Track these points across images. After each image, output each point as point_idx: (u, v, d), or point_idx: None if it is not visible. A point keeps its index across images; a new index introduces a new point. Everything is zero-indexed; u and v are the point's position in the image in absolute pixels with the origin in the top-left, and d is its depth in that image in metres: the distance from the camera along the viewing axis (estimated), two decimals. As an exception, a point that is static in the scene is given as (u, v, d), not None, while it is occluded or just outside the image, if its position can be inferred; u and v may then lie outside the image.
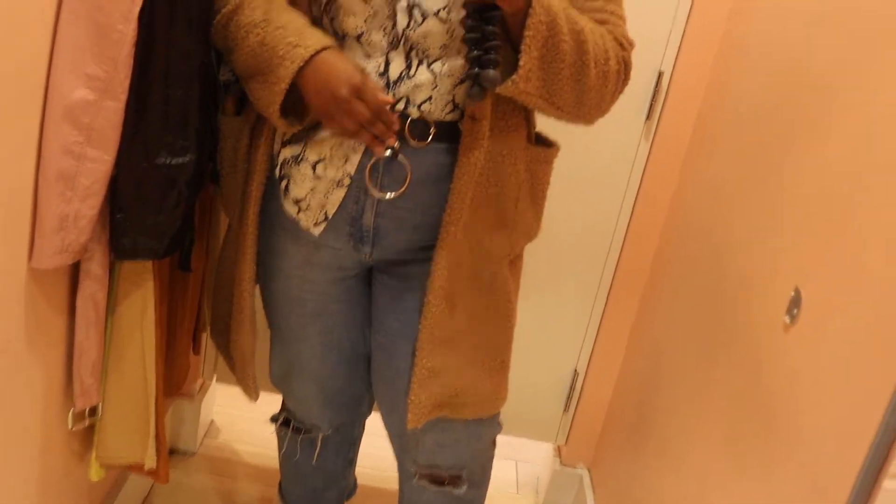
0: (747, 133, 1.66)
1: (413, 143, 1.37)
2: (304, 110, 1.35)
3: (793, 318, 1.24)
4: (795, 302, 1.24)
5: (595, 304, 2.26)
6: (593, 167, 2.10)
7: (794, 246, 1.31)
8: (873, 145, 1.12)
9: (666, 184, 2.12)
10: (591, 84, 1.34)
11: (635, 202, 2.15)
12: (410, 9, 1.31)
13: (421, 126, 1.37)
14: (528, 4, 1.23)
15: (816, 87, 1.35)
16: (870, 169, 1.12)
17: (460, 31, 1.31)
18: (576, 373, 2.34)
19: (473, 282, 1.48)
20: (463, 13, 1.26)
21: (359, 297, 1.61)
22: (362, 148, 1.38)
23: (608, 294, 2.25)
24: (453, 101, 1.37)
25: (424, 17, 1.31)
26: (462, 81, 1.36)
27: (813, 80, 1.37)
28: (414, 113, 1.36)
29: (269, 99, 1.31)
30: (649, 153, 2.10)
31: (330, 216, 1.43)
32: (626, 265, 2.21)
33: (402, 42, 1.33)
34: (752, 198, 1.55)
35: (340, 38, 1.36)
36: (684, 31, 2.00)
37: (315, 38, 1.30)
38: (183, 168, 1.41)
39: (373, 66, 1.34)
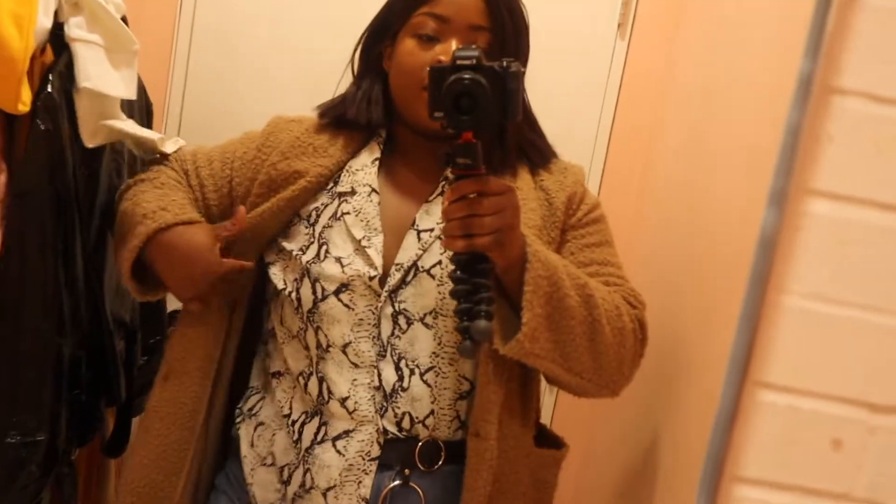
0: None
1: (423, 467, 1.31)
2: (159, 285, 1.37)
3: None
4: None
5: None
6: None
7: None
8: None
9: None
10: (608, 343, 1.25)
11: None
12: (396, 315, 1.28)
13: (432, 449, 1.31)
14: (524, 259, 1.19)
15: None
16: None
17: (449, 338, 1.28)
18: None
19: None
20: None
21: None
22: (374, 468, 1.29)
23: None
24: (458, 416, 1.31)
25: (410, 324, 1.28)
26: (462, 396, 1.31)
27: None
28: (423, 434, 1.30)
29: (122, 258, 1.33)
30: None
31: None
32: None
33: (388, 351, 1.29)
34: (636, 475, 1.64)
35: (325, 351, 1.30)
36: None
37: (186, 210, 1.34)
38: (34, 448, 1.43)
39: (364, 378, 1.29)
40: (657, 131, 2.17)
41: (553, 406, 2.32)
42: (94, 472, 1.78)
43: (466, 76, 1.07)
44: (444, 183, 1.35)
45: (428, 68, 1.12)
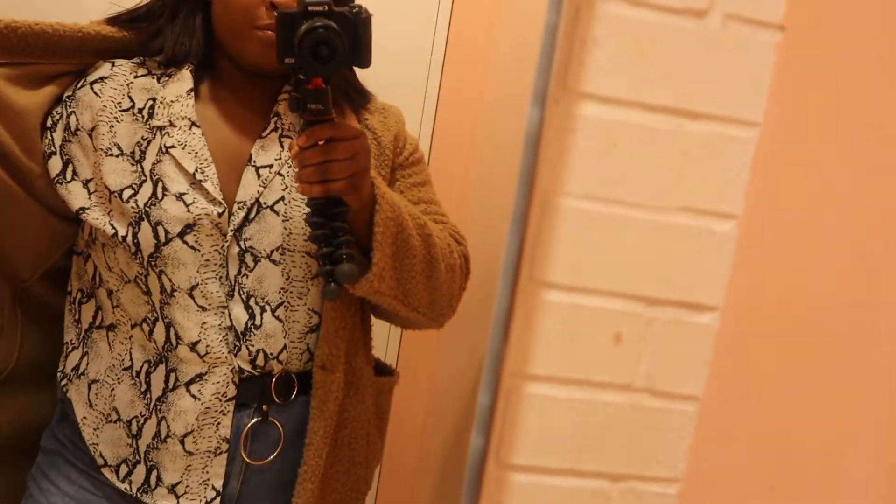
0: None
1: (279, 401, 1.32)
2: None
3: None
4: None
5: None
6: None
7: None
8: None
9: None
10: (442, 279, 1.30)
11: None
12: (242, 254, 1.27)
13: (285, 382, 1.32)
14: (373, 200, 1.20)
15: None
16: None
17: (297, 273, 1.29)
18: None
19: None
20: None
21: None
22: (231, 408, 1.29)
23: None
24: (308, 349, 1.33)
25: (257, 262, 1.27)
26: (312, 330, 1.32)
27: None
28: (276, 368, 1.31)
29: None
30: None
31: (220, 489, 1.30)
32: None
33: (236, 290, 1.27)
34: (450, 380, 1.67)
35: (170, 295, 1.26)
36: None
37: None
38: None
39: (213, 320, 1.26)
40: (485, 55, 2.19)
41: (399, 342, 2.34)
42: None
43: (320, 24, 1.06)
44: (275, 119, 1.33)
45: (276, 13, 1.09)
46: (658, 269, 1.00)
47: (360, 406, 1.39)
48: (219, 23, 1.30)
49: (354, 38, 1.09)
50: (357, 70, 1.37)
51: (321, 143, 1.13)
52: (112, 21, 1.33)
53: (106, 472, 1.32)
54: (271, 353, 1.29)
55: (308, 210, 1.19)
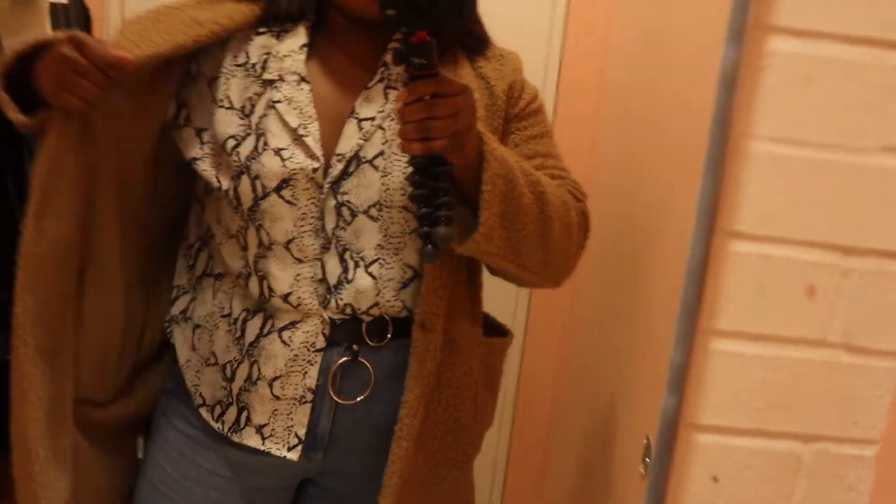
0: (609, 281, 1.75)
1: (371, 342, 1.31)
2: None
3: (646, 467, 1.22)
4: (648, 451, 1.23)
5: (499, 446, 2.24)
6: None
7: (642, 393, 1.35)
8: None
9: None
10: (557, 238, 1.26)
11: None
12: (339, 207, 1.25)
13: (379, 325, 1.31)
14: (481, 157, 1.16)
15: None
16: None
17: (395, 229, 1.27)
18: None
19: (429, 495, 1.38)
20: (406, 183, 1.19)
21: None
22: (319, 359, 1.29)
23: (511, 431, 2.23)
24: (404, 304, 1.31)
25: (354, 216, 1.26)
26: (405, 285, 1.30)
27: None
28: (366, 317, 1.30)
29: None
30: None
31: (303, 437, 1.30)
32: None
33: (333, 244, 1.26)
34: (614, 345, 1.62)
35: (267, 248, 1.27)
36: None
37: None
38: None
39: (307, 272, 1.27)
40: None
41: (529, 291, 2.32)
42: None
43: None
44: (382, 69, 1.30)
45: None
46: (856, 216, 0.93)
47: (465, 367, 1.36)
48: None
49: None
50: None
51: (425, 98, 1.09)
52: None
53: (203, 411, 1.35)
54: (359, 309, 1.28)
55: (410, 166, 1.15)
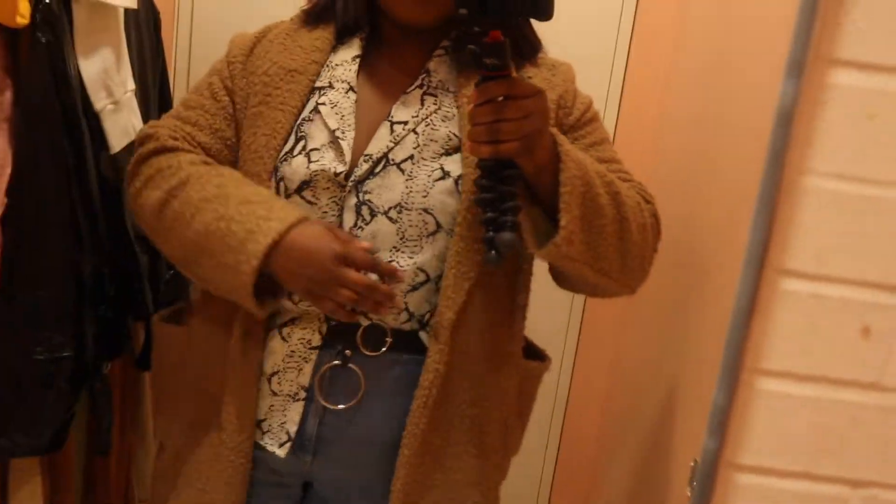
0: (662, 306, 1.73)
1: (366, 351, 1.27)
2: (274, 290, 1.23)
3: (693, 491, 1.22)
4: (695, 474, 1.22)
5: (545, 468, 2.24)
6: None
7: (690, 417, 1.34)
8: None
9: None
10: (635, 240, 1.21)
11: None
12: (359, 207, 1.24)
13: (377, 333, 1.27)
14: (555, 160, 1.13)
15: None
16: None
17: (412, 232, 1.24)
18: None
19: None
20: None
21: None
22: (314, 357, 1.27)
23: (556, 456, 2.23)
24: (407, 309, 1.27)
25: (374, 216, 1.23)
26: (415, 289, 1.27)
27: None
28: (364, 321, 1.27)
29: (235, 283, 1.17)
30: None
31: (293, 436, 1.29)
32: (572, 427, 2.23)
33: None
34: (663, 368, 1.61)
35: None
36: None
37: (287, 211, 1.18)
38: (61, 364, 1.45)
39: None
40: (679, 18, 2.07)
41: (581, 316, 2.29)
42: (129, 386, 1.80)
43: None
44: (423, 75, 1.30)
45: None
46: (916, 257, 0.89)
47: (497, 388, 1.32)
48: None
49: None
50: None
51: (496, 100, 1.07)
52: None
53: None
54: (360, 309, 1.23)
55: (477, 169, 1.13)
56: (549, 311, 2.19)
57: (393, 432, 1.28)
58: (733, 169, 1.26)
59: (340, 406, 1.28)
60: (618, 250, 1.20)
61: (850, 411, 0.94)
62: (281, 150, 1.27)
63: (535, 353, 1.46)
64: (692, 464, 1.22)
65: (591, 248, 1.17)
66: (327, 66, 1.31)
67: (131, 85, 1.65)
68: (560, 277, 1.32)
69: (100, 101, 1.54)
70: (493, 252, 1.10)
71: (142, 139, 1.32)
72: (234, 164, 1.31)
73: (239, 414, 1.28)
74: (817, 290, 0.90)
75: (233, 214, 1.17)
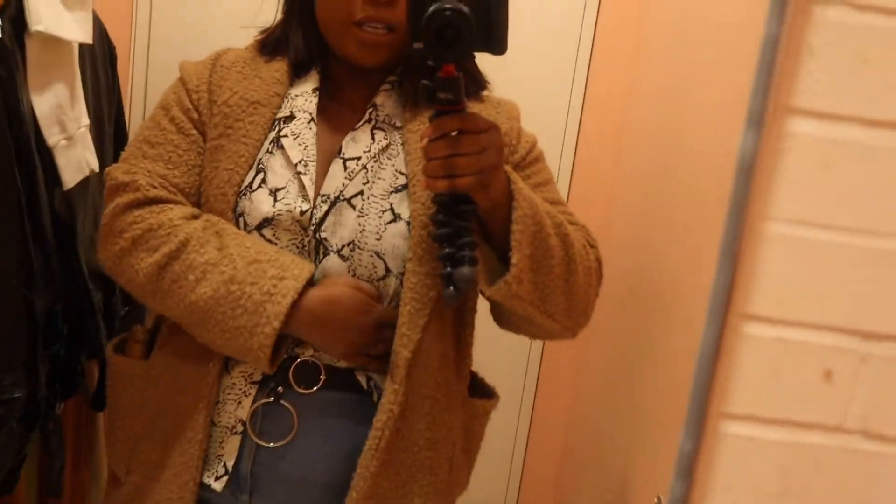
0: (618, 343, 1.74)
1: (299, 388, 1.26)
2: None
3: None
4: None
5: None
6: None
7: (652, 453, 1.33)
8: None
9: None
10: (580, 283, 1.22)
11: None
12: (316, 246, 1.23)
13: (310, 370, 1.26)
14: (508, 197, 1.13)
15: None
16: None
17: (363, 272, 1.23)
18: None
19: None
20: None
21: None
22: (254, 390, 1.26)
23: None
24: None
25: (326, 254, 1.23)
26: None
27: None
28: (304, 354, 1.25)
29: (250, 344, 1.17)
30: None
31: (230, 469, 1.27)
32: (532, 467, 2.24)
33: None
34: (622, 404, 1.61)
35: None
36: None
37: (298, 266, 1.19)
38: (12, 405, 1.41)
39: None
40: (633, 69, 2.08)
41: (540, 355, 2.29)
42: (82, 425, 1.76)
43: (448, 6, 0.99)
44: (371, 110, 1.30)
45: None
46: (876, 301, 0.90)
47: (444, 428, 1.30)
48: (320, 19, 1.29)
49: (487, 20, 1.01)
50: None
51: (451, 134, 1.07)
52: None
53: None
54: (295, 342, 1.25)
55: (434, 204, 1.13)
56: (507, 350, 2.18)
57: (333, 474, 1.27)
58: (694, 217, 1.27)
59: (272, 444, 1.26)
60: (564, 292, 1.21)
61: (815, 453, 0.94)
62: (241, 185, 1.25)
63: (483, 391, 1.45)
64: (655, 501, 1.22)
65: (538, 289, 1.17)
66: (287, 97, 1.31)
67: (86, 120, 1.62)
68: (502, 318, 1.32)
69: (53, 137, 1.51)
70: (451, 288, 1.10)
71: (117, 187, 1.26)
72: None
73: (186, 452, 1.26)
74: (780, 334, 0.91)
75: (244, 277, 1.16)
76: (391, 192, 1.25)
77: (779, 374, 0.91)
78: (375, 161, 1.26)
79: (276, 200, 1.23)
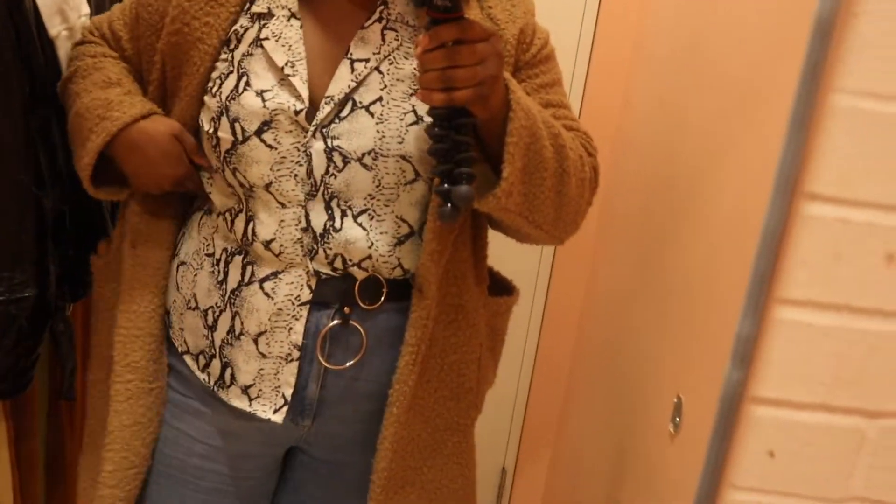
0: (639, 240, 1.69)
1: (364, 305, 1.23)
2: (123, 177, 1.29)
3: (676, 426, 1.20)
4: (678, 410, 1.20)
5: (517, 400, 2.22)
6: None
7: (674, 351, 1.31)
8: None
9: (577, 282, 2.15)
10: (572, 195, 1.19)
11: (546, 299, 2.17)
12: (329, 152, 1.17)
13: (372, 286, 1.23)
14: (507, 107, 1.07)
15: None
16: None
17: (389, 179, 1.18)
18: (504, 471, 2.26)
19: (430, 460, 1.32)
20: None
21: (268, 476, 1.38)
22: (305, 313, 1.22)
23: (529, 389, 2.22)
24: (400, 264, 1.23)
25: (346, 163, 1.17)
26: (401, 241, 1.22)
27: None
28: (359, 274, 1.22)
29: (81, 171, 1.25)
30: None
31: (289, 399, 1.24)
32: (544, 360, 2.21)
33: (320, 190, 1.18)
34: (642, 304, 1.56)
35: (248, 190, 1.20)
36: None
37: (124, 109, 1.23)
38: (23, 303, 1.37)
39: (291, 217, 1.19)
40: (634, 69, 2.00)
41: (552, 260, 2.25)
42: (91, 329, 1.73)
43: None
44: (381, 8, 1.21)
45: None
46: (946, 179, 0.86)
47: (471, 331, 1.29)
48: None
49: None
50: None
51: (448, 44, 1.00)
52: None
53: (188, 359, 1.31)
54: (351, 260, 1.20)
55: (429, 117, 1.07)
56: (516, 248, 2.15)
57: (385, 383, 1.25)
58: (763, 84, 1.20)
59: (345, 364, 1.23)
60: (554, 204, 1.17)
61: (871, 340, 0.91)
62: (214, 86, 1.20)
63: (503, 287, 1.43)
64: (675, 400, 1.20)
65: (528, 200, 1.14)
66: None
67: (86, 9, 1.54)
68: (490, 220, 1.28)
69: (54, 28, 1.43)
70: (448, 206, 1.05)
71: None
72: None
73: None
74: (841, 214, 0.87)
75: (86, 99, 1.26)
76: (412, 94, 1.19)
77: (839, 257, 0.87)
78: (391, 63, 1.19)
79: (264, 101, 1.17)
